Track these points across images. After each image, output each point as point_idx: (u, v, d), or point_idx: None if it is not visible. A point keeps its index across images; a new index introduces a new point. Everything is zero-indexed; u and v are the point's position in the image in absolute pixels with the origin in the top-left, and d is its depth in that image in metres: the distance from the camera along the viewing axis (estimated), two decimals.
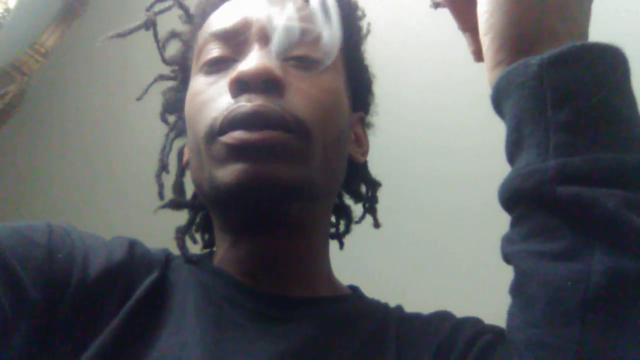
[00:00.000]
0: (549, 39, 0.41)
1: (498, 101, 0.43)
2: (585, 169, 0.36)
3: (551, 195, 0.36)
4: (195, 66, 0.67)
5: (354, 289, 0.71)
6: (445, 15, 0.53)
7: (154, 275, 0.61)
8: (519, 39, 0.41)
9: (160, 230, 0.76)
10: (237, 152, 0.57)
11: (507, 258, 0.40)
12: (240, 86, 0.58)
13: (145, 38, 0.73)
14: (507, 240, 0.41)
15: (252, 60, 0.59)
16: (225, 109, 0.58)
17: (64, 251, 0.57)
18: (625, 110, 0.39)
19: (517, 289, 0.39)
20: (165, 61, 0.76)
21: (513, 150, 0.41)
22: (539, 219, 0.38)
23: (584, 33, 0.43)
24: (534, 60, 0.39)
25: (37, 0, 1.78)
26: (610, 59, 0.40)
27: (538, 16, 0.41)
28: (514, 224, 0.40)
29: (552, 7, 0.41)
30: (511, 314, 0.40)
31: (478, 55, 0.49)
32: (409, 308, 0.68)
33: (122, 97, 1.65)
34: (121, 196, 1.61)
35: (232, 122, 0.57)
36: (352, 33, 0.72)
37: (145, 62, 0.83)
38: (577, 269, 0.35)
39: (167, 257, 0.66)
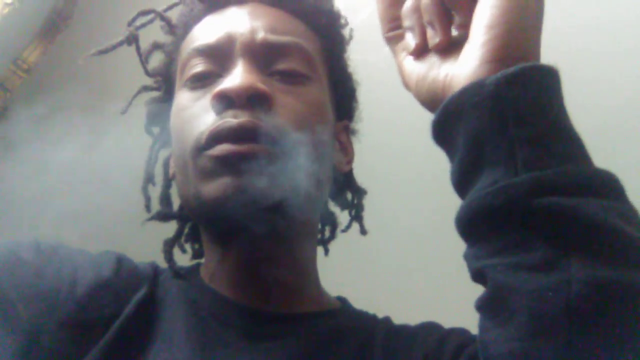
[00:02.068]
0: (532, 57, 0.42)
1: (446, 124, 0.42)
2: (558, 181, 0.37)
3: (527, 209, 0.36)
4: (179, 80, 0.67)
5: (342, 301, 0.71)
6: None
7: (142, 292, 0.61)
8: (518, 48, 0.42)
9: (147, 241, 0.75)
10: (223, 164, 0.56)
11: (478, 274, 0.40)
12: (225, 102, 0.58)
13: (128, 53, 0.72)
14: (474, 257, 0.40)
15: (237, 77, 0.59)
16: (212, 124, 0.58)
17: (52, 268, 0.57)
18: (569, 127, 0.40)
19: (492, 303, 0.38)
20: (148, 73, 0.75)
21: (469, 170, 0.41)
22: (513, 234, 0.37)
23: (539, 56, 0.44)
24: (489, 80, 0.39)
25: (19, 16, 1.77)
26: (556, 79, 0.41)
27: (533, 35, 0.42)
28: (480, 241, 0.40)
29: (537, 29, 0.43)
30: (485, 329, 0.39)
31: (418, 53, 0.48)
32: (397, 319, 0.68)
33: (104, 112, 1.64)
34: (105, 210, 1.59)
35: (218, 137, 0.57)
36: (335, 42, 0.72)
37: (128, 77, 0.82)
38: (557, 279, 0.35)
39: (155, 272, 0.66)
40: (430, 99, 0.45)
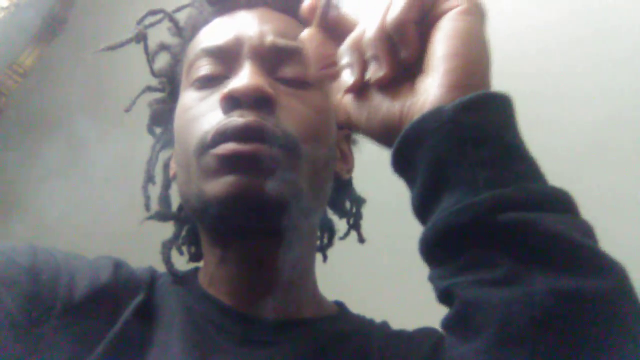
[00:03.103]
0: (488, 85, 0.44)
1: (406, 150, 0.43)
2: (519, 197, 0.38)
3: (490, 225, 0.37)
4: (185, 81, 0.67)
5: (340, 306, 0.71)
6: None
7: (139, 298, 0.61)
8: (477, 77, 0.43)
9: (146, 243, 0.75)
10: (227, 163, 0.57)
11: (444, 293, 0.40)
12: (232, 102, 0.58)
13: (125, 58, 0.73)
14: (440, 278, 0.41)
15: (244, 78, 0.59)
16: (217, 123, 0.58)
17: (49, 273, 0.57)
18: (524, 148, 0.42)
19: (460, 320, 0.39)
20: (153, 73, 0.76)
21: (431, 194, 0.41)
22: (477, 251, 0.38)
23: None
24: (447, 107, 0.41)
25: (15, 20, 1.77)
26: (509, 105, 0.43)
27: (488, 65, 0.45)
28: (445, 261, 0.40)
29: (490, 60, 0.45)
30: (453, 346, 0.40)
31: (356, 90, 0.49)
32: (395, 324, 0.68)
33: (100, 116, 1.64)
34: (104, 211, 1.60)
35: (223, 135, 0.57)
36: None
37: (124, 82, 0.83)
38: (521, 291, 0.36)
39: (152, 277, 0.65)
40: (385, 132, 0.45)
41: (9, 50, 1.79)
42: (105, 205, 1.62)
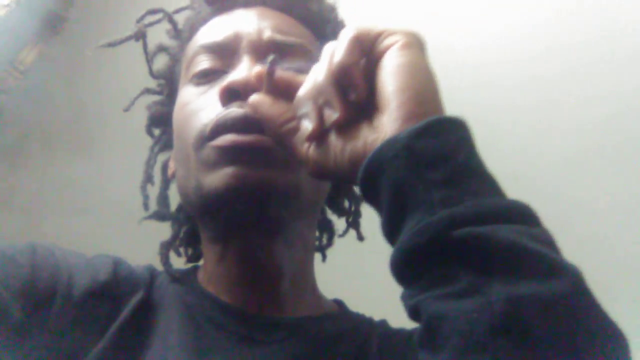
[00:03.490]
0: (440, 111, 0.46)
1: (370, 181, 0.45)
2: (471, 213, 0.39)
3: (447, 242, 0.39)
4: (184, 77, 0.68)
5: (339, 304, 0.72)
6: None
7: (138, 296, 0.61)
8: (428, 105, 0.45)
9: (144, 242, 0.75)
10: (227, 154, 0.57)
11: (413, 311, 0.41)
12: (231, 95, 0.59)
13: (126, 56, 0.73)
14: (408, 297, 0.42)
15: (243, 70, 0.60)
16: (216, 115, 0.59)
17: (48, 271, 0.57)
18: (480, 166, 0.44)
19: (427, 334, 0.40)
20: (152, 73, 0.76)
21: (396, 219, 0.43)
22: (439, 268, 0.39)
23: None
24: (401, 135, 0.42)
25: (16, 17, 1.77)
26: (461, 127, 0.44)
27: (436, 92, 0.47)
28: (412, 281, 0.42)
29: (437, 87, 0.47)
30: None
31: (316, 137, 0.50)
32: (394, 322, 0.68)
33: (100, 114, 1.64)
34: (101, 211, 1.60)
35: (223, 126, 0.58)
36: None
37: (124, 80, 0.83)
38: (481, 301, 0.37)
39: (152, 275, 0.66)
40: (354, 171, 0.47)
41: (10, 47, 1.79)
42: (105, 204, 1.62)
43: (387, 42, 0.47)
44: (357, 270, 1.24)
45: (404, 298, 0.43)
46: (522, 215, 0.41)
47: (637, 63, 1.23)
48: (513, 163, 1.18)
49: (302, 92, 0.51)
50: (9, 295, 0.52)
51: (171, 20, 0.75)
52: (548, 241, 0.40)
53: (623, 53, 1.25)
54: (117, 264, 0.63)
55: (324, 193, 0.68)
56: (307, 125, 0.50)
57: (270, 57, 0.53)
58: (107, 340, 0.56)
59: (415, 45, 0.48)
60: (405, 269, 0.42)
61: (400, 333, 0.66)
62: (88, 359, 0.54)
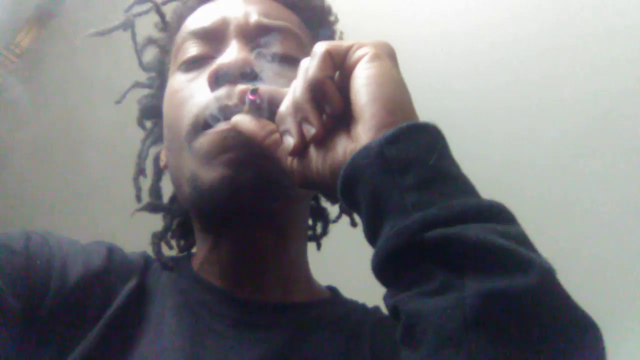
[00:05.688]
0: (412, 118, 0.47)
1: (347, 189, 0.46)
2: (442, 215, 0.40)
3: (420, 244, 0.40)
4: (173, 66, 0.68)
5: (333, 290, 0.72)
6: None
7: (132, 282, 0.61)
8: (400, 113, 0.46)
9: (137, 232, 0.76)
10: (220, 145, 0.57)
11: (394, 309, 0.42)
12: (220, 78, 0.59)
13: (120, 42, 0.73)
14: (389, 297, 0.43)
15: (232, 53, 0.60)
16: (206, 101, 0.60)
17: (42, 258, 0.57)
18: (452, 168, 0.45)
19: (406, 332, 0.40)
20: (142, 66, 0.76)
21: (376, 224, 0.44)
22: (415, 269, 0.40)
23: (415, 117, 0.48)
24: (374, 143, 0.43)
25: (12, 0, 1.76)
26: (432, 132, 0.45)
27: (407, 99, 0.48)
28: (392, 282, 0.43)
29: (408, 94, 0.48)
30: (405, 358, 0.41)
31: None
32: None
33: (96, 99, 1.63)
34: (96, 198, 1.60)
35: (213, 115, 0.58)
36: (325, 37, 0.73)
37: (120, 65, 0.83)
38: (454, 297, 0.37)
39: (146, 262, 0.66)
40: (335, 179, 0.48)
41: (6, 30, 1.78)
42: (100, 191, 1.62)
43: (357, 54, 0.49)
44: (350, 257, 1.24)
45: (385, 299, 0.44)
46: (492, 214, 0.42)
47: (619, 67, 1.24)
48: (496, 167, 1.19)
49: (282, 108, 0.52)
50: (4, 283, 0.52)
51: (159, 11, 0.75)
52: (519, 237, 0.41)
53: (607, 57, 1.26)
54: (111, 250, 0.64)
55: None
56: (289, 141, 0.51)
57: (253, 87, 0.55)
58: (102, 326, 0.56)
59: (384, 55, 0.49)
60: (385, 271, 0.43)
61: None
62: (83, 345, 0.54)
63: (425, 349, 0.38)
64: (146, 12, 0.74)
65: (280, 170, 0.58)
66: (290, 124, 0.51)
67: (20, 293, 0.53)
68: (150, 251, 0.69)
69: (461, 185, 0.44)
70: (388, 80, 0.47)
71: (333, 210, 0.81)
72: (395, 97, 0.47)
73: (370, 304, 0.70)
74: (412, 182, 0.42)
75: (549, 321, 0.37)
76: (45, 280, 0.56)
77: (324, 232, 0.80)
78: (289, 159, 0.52)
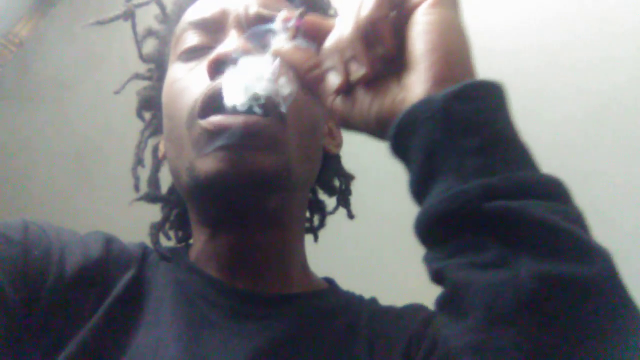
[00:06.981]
0: (472, 74, 0.45)
1: (401, 138, 0.44)
2: (504, 186, 0.39)
3: (478, 212, 0.38)
4: (172, 56, 0.68)
5: (330, 282, 0.72)
6: None
7: (130, 273, 0.61)
8: (459, 67, 0.44)
9: (135, 222, 0.76)
10: (217, 137, 0.57)
11: (437, 274, 0.41)
12: (218, 67, 0.58)
13: (120, 32, 0.73)
14: (433, 259, 0.42)
15: (232, 42, 0.60)
16: (205, 88, 0.59)
17: (40, 248, 0.57)
18: (515, 135, 0.43)
19: (451, 301, 0.40)
20: (142, 57, 0.76)
21: (426, 180, 0.42)
22: (467, 236, 0.39)
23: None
24: (437, 96, 0.41)
25: None
26: (499, 93, 0.43)
27: (468, 54, 0.45)
28: (437, 245, 0.42)
29: (470, 49, 0.46)
30: (445, 325, 0.41)
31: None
32: (384, 300, 0.69)
33: (95, 89, 1.63)
34: (96, 188, 1.60)
35: (212, 102, 0.58)
36: None
37: (119, 55, 0.83)
38: (508, 274, 0.37)
39: (144, 252, 0.66)
40: (381, 126, 0.46)
41: (5, 19, 1.77)
42: (99, 181, 1.62)
43: None
44: (347, 249, 1.24)
45: (428, 260, 0.42)
46: (555, 192, 0.41)
47: (617, 61, 1.24)
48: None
49: (328, 44, 0.49)
50: (2, 273, 0.52)
51: (159, 3, 0.75)
52: (579, 220, 0.40)
53: (605, 52, 1.26)
54: (109, 240, 0.64)
55: (314, 172, 0.69)
56: (334, 79, 0.48)
57: (300, 10, 0.52)
58: (100, 317, 0.56)
59: (448, 3, 0.46)
60: (432, 231, 0.41)
61: (390, 310, 0.66)
62: (81, 335, 0.54)
63: (472, 321, 0.37)
64: (146, 3, 0.74)
65: (278, 163, 0.58)
66: (336, 61, 0.48)
67: (18, 283, 0.53)
68: (148, 242, 0.69)
69: (523, 155, 0.42)
70: (451, 29, 0.45)
71: (330, 202, 0.81)
72: (457, 49, 0.44)
73: (366, 295, 0.70)
74: (474, 145, 0.40)
75: (607, 316, 0.36)
76: (43, 270, 0.56)
77: (322, 224, 0.81)
78: (330, 97, 0.50)
